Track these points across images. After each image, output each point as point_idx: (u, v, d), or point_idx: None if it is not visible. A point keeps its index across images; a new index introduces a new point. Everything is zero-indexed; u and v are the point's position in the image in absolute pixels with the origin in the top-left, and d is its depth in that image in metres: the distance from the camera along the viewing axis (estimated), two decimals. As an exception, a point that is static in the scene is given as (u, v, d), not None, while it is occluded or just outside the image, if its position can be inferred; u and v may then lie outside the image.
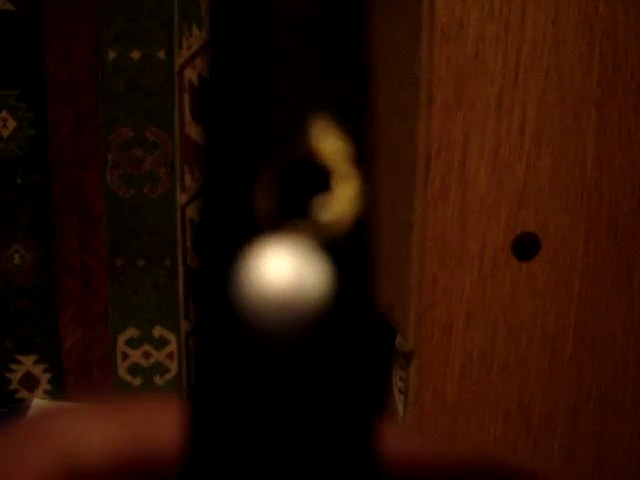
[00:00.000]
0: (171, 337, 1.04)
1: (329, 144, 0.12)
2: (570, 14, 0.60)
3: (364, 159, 0.12)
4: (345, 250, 0.12)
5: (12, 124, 0.96)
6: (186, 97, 0.97)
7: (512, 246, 0.62)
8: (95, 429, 0.16)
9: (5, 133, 0.96)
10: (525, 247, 0.62)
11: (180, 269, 1.02)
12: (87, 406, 0.17)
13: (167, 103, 0.97)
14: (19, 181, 0.98)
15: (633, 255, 0.64)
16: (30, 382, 1.04)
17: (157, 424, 0.17)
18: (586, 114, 0.61)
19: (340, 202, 0.12)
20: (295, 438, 0.13)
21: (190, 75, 0.96)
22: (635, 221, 0.63)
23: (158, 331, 1.04)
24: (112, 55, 0.95)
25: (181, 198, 1.00)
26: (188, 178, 0.99)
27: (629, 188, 0.63)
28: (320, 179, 0.12)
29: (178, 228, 1.00)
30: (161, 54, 0.95)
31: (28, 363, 1.03)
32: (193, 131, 0.98)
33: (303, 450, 0.13)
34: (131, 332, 1.04)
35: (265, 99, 0.12)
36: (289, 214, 0.12)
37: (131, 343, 1.04)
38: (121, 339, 1.04)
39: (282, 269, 0.12)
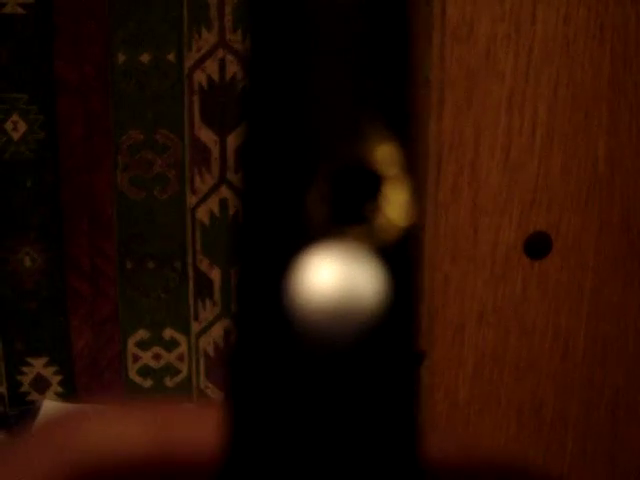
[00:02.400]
0: (181, 339, 1.04)
1: (381, 150, 0.12)
2: (580, 13, 0.60)
3: (413, 163, 0.12)
4: (396, 255, 0.12)
5: (23, 127, 0.96)
6: (196, 99, 0.97)
7: (524, 245, 0.62)
8: (110, 430, 0.16)
9: (16, 136, 0.97)
10: (537, 246, 0.62)
11: (190, 271, 1.02)
12: (99, 408, 0.17)
13: (177, 105, 0.97)
14: (29, 184, 0.98)
15: (645, 254, 0.64)
16: (41, 384, 1.04)
17: (178, 424, 0.17)
18: (597, 112, 0.61)
19: (393, 207, 0.12)
20: (340, 444, 0.12)
21: (200, 77, 0.97)
22: (647, 220, 0.63)
23: (168, 333, 1.04)
24: (122, 58, 0.95)
25: (191, 200, 1.00)
26: (198, 180, 1.00)
27: (640, 187, 0.63)
28: (372, 185, 0.12)
29: (188, 230, 1.01)
30: (171, 57, 0.96)
31: (39, 365, 1.04)
32: (202, 133, 0.98)
33: (348, 455, 0.12)
34: (141, 334, 1.04)
35: (314, 104, 0.12)
36: (341, 220, 0.12)
37: (141, 345, 1.04)
38: (131, 341, 1.04)
39: (335, 277, 0.12)
